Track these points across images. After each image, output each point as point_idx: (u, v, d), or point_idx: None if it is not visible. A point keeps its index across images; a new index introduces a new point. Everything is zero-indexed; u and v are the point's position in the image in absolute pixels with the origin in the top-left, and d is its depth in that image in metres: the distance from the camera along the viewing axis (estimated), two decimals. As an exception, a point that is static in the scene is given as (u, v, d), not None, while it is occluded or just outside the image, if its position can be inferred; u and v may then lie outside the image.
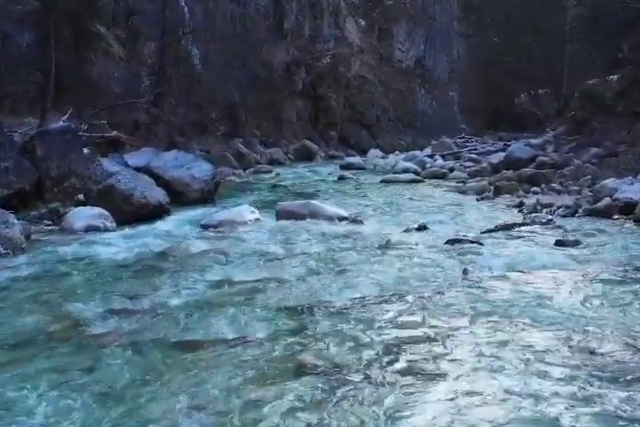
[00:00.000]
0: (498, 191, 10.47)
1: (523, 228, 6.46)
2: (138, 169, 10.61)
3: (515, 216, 7.95)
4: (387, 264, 4.66)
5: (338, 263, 4.77)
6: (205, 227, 7.54)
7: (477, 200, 9.98)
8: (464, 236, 5.42)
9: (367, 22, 41.26)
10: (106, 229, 7.04)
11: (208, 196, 10.14)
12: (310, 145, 29.35)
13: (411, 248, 5.25)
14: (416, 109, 42.32)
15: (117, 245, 5.83)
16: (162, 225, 7.55)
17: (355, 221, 7.31)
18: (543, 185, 10.85)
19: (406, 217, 7.96)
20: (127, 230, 7.03)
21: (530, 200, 9.37)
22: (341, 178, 14.64)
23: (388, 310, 3.50)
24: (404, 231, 6.32)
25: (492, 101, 23.32)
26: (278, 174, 16.43)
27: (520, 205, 8.91)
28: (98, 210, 7.24)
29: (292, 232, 6.52)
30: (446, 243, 5.40)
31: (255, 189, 12.25)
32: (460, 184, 12.91)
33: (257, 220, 7.70)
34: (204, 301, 3.77)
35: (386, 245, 5.41)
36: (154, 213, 8.22)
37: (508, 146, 16.70)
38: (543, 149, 14.45)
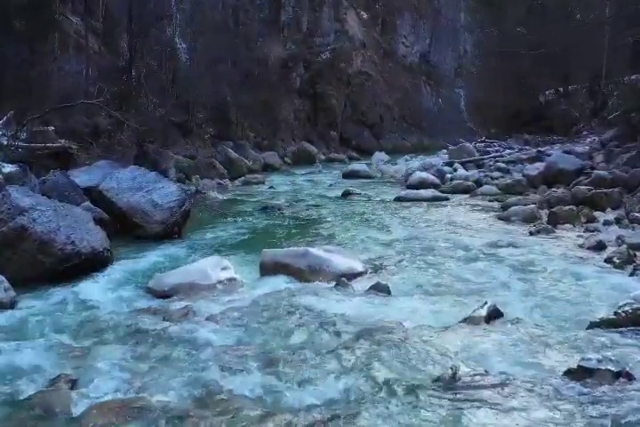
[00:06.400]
0: (555, 220, 8.00)
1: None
2: (86, 190, 8.18)
3: (607, 272, 5.46)
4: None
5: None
6: (153, 293, 5.08)
7: (531, 234, 7.49)
8: (598, 362, 2.89)
9: (369, 15, 38.86)
10: (-6, 305, 4.57)
11: (173, 229, 7.66)
12: (309, 147, 27.10)
13: (507, 402, 2.67)
14: (421, 108, 39.88)
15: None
16: (88, 290, 5.09)
17: (376, 288, 4.82)
18: (610, 210, 8.40)
19: (451, 273, 5.47)
20: (27, 306, 4.57)
21: (607, 237, 6.91)
22: (346, 194, 12.13)
23: None
24: (467, 323, 3.79)
25: (511, 99, 20.77)
26: (271, 187, 13.96)
27: (599, 247, 6.44)
28: (-17, 274, 4.75)
29: (277, 319, 4.02)
30: (567, 373, 2.89)
31: (239, 214, 9.71)
32: (492, 203, 10.50)
33: (230, 280, 5.22)
34: None
35: (451, 386, 2.82)
36: (86, 266, 5.77)
37: (542, 152, 14.20)
38: (590, 158, 11.96)
